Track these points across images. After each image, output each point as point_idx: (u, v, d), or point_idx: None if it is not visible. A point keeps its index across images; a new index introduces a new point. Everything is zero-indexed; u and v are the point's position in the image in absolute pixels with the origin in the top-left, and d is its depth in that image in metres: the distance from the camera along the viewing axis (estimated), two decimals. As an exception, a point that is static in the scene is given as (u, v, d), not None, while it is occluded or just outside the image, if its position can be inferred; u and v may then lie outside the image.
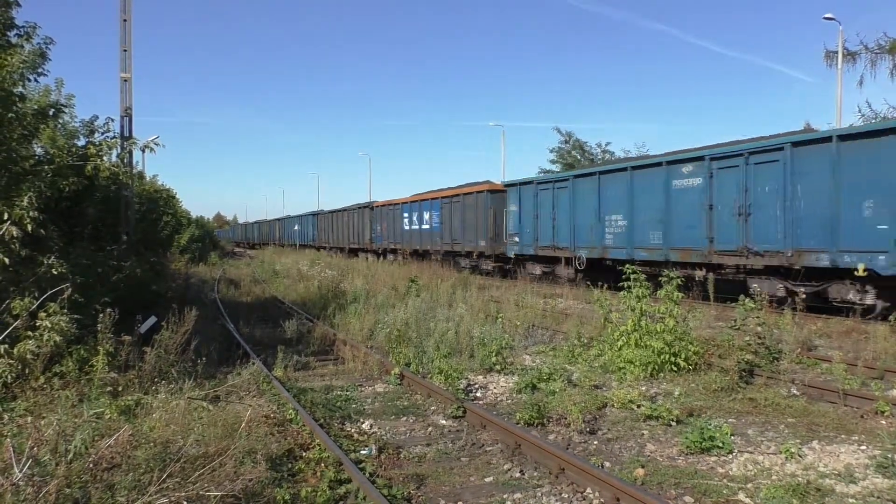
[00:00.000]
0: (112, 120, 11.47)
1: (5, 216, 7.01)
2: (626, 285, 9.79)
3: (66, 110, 10.52)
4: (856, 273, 12.14)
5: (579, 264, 19.58)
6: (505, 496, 5.18)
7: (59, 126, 10.88)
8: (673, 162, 16.38)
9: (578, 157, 41.76)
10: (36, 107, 9.52)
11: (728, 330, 9.49)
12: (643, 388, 8.05)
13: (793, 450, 5.87)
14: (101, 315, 7.47)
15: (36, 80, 9.51)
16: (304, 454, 5.98)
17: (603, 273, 18.22)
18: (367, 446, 6.29)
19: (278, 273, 28.43)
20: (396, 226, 34.27)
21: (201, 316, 10.01)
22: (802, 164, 13.29)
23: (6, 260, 6.98)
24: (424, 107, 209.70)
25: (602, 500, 5.03)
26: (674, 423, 6.83)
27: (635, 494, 4.77)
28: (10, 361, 6.67)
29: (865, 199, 12.12)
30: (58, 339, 6.79)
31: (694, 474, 5.54)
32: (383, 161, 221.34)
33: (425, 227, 30.60)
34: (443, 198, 28.79)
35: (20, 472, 3.92)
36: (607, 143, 42.63)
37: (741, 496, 5.08)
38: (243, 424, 5.83)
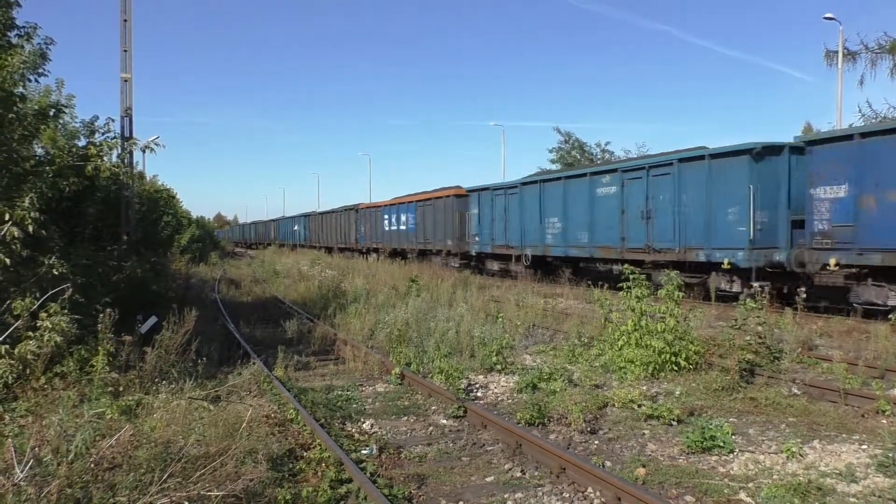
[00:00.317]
0: (112, 120, 11.47)
1: (7, 217, 7.01)
2: (625, 285, 9.80)
3: (67, 111, 10.51)
4: (723, 266, 14.64)
5: (526, 261, 22.31)
6: (506, 496, 5.18)
7: (60, 126, 10.87)
8: (596, 173, 19.44)
9: (578, 157, 41.77)
10: (36, 107, 9.52)
11: (729, 329, 9.49)
12: (644, 388, 8.05)
13: (794, 449, 5.87)
14: (102, 315, 7.47)
15: (36, 80, 9.52)
16: (304, 454, 5.98)
17: (546, 268, 21.65)
18: (367, 446, 6.29)
19: (279, 273, 28.45)
20: (378, 227, 36.74)
21: (202, 316, 10.02)
22: (686, 178, 15.99)
23: (7, 260, 6.98)
24: (424, 107, 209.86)
25: (603, 499, 5.03)
26: (675, 423, 6.83)
27: (636, 494, 4.77)
28: (11, 362, 6.67)
29: (729, 206, 14.82)
30: (58, 339, 6.80)
31: (695, 474, 5.54)
32: (383, 161, 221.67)
33: (402, 227, 33.15)
34: (417, 201, 31.29)
35: (22, 472, 3.92)
36: (607, 143, 42.69)
37: (742, 495, 5.08)
38: (244, 424, 5.83)
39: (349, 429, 7.01)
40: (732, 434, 6.32)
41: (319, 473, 5.48)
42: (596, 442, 6.48)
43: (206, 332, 10.44)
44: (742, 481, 5.36)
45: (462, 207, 27.15)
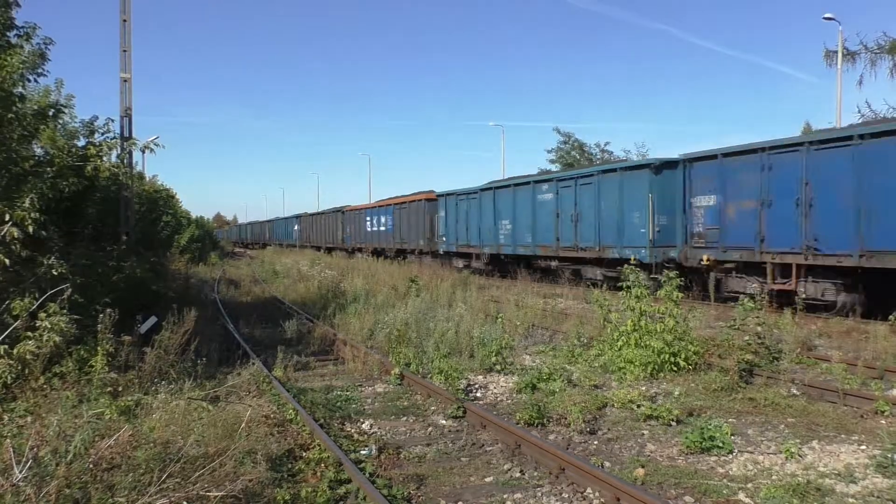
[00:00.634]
0: (112, 120, 11.47)
1: (6, 217, 7.01)
2: (625, 285, 9.80)
3: (66, 111, 10.51)
4: (630, 262, 15.72)
5: (484, 259, 25.36)
6: (505, 496, 5.19)
7: (60, 126, 10.87)
8: (537, 182, 22.39)
9: (578, 157, 41.78)
10: (36, 107, 9.52)
11: (728, 330, 9.49)
12: (643, 388, 8.05)
13: (793, 449, 5.87)
14: (101, 315, 7.47)
15: (36, 80, 9.52)
16: (304, 454, 5.99)
17: (500, 264, 24.62)
18: (367, 446, 6.29)
19: (278, 273, 28.45)
20: (361, 228, 39.84)
21: (201, 316, 10.02)
22: (604, 188, 18.88)
23: (7, 261, 6.98)
24: (424, 107, 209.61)
25: (602, 499, 5.04)
26: (674, 423, 6.83)
27: (635, 494, 4.77)
28: (10, 362, 6.66)
29: (635, 212, 17.49)
30: (58, 339, 6.79)
31: (694, 474, 5.54)
32: (384, 160, 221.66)
33: (382, 229, 36.14)
34: (395, 204, 34.41)
35: (20, 472, 3.92)
36: (606, 143, 42.70)
37: (741, 496, 5.08)
38: (243, 425, 5.83)
39: (348, 429, 7.01)
40: (731, 434, 6.32)
41: (318, 474, 5.48)
42: (595, 442, 6.48)
43: (205, 333, 10.44)
44: (741, 482, 5.36)
45: (432, 211, 29.85)
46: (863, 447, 6.10)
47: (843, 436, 6.48)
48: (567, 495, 5.19)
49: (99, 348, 7.24)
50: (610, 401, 7.57)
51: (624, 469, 5.69)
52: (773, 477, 5.44)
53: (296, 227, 59.02)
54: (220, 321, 14.21)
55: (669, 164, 17.03)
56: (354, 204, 44.48)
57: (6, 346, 6.69)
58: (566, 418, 6.89)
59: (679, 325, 9.24)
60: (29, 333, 6.78)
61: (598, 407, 7.40)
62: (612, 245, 18.32)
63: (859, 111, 25.04)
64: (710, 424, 6.39)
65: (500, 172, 56.82)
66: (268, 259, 41.65)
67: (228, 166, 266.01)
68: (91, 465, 4.29)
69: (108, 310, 7.64)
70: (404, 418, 7.45)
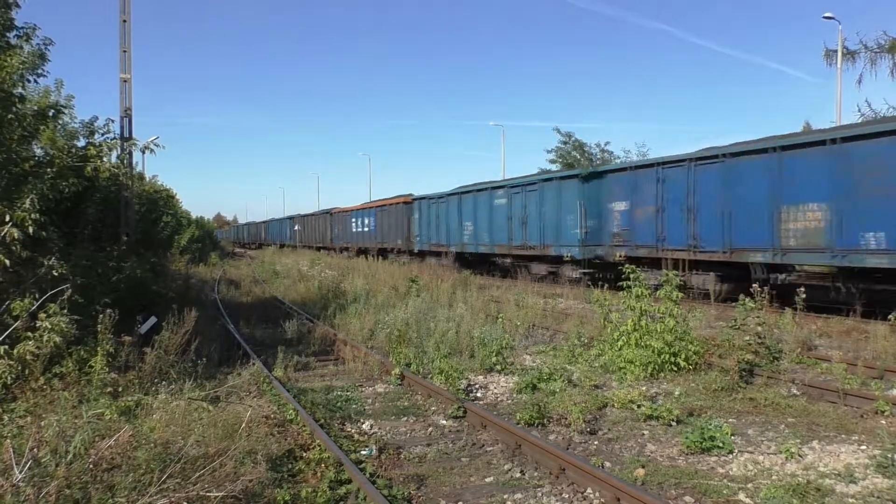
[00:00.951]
0: (112, 121, 11.47)
1: (6, 218, 7.01)
2: (625, 285, 9.80)
3: (66, 111, 10.50)
4: (566, 259, 20.16)
5: (451, 256, 27.70)
6: (505, 496, 5.18)
7: (59, 127, 10.86)
8: (494, 188, 24.92)
9: (578, 157, 41.74)
10: (36, 108, 9.51)
11: (728, 329, 9.49)
12: (643, 388, 8.05)
13: (793, 450, 5.87)
14: (101, 316, 7.47)
15: (35, 81, 9.50)
16: (304, 455, 5.98)
17: (464, 261, 27.05)
18: (367, 447, 6.29)
19: (278, 273, 28.44)
20: (347, 228, 42.58)
21: (201, 316, 10.00)
22: (546, 194, 21.41)
23: (7, 261, 6.98)
24: (424, 106, 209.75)
25: (602, 500, 5.04)
26: (674, 423, 6.83)
27: (636, 494, 4.77)
28: (10, 362, 6.66)
29: (569, 214, 20.13)
30: (58, 339, 6.79)
31: (694, 474, 5.54)
32: (385, 160, 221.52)
33: (366, 229, 38.91)
34: (377, 207, 37.31)
35: (20, 473, 3.92)
36: (606, 143, 42.63)
37: (741, 496, 5.08)
38: (243, 425, 5.84)
39: (349, 429, 7.01)
40: (732, 434, 6.32)
41: (319, 474, 5.48)
42: (595, 442, 6.48)
43: (205, 333, 10.44)
44: (741, 482, 5.36)
45: (409, 213, 32.44)
46: (863, 447, 6.10)
47: (843, 436, 6.47)
48: (567, 495, 5.19)
49: (99, 349, 7.24)
50: (610, 401, 7.57)
51: (624, 469, 5.68)
52: (774, 477, 5.43)
53: (289, 228, 62.11)
54: (220, 321, 14.20)
55: (596, 174, 19.80)
56: (345, 206, 46.29)
57: (6, 347, 6.70)
58: (566, 418, 6.89)
59: (679, 324, 9.24)
60: (29, 334, 6.78)
61: (599, 407, 7.40)
62: (552, 244, 20.98)
63: (859, 110, 24.97)
64: (711, 424, 6.38)
65: (501, 172, 56.83)
66: (268, 259, 41.66)
67: (228, 166, 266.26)
68: (91, 466, 4.29)
69: (109, 310, 7.64)
70: (405, 418, 7.45)
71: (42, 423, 4.89)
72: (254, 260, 46.10)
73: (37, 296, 7.02)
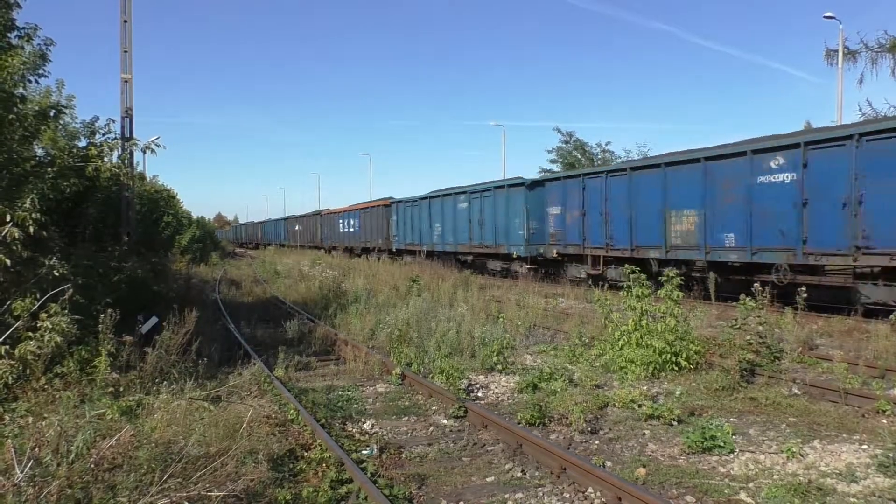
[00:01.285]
0: (113, 121, 11.49)
1: (7, 218, 7.01)
2: (626, 285, 9.79)
3: (67, 111, 10.52)
4: (514, 256, 23.19)
5: (423, 254, 30.09)
6: (506, 496, 5.18)
7: (60, 127, 10.87)
8: (457, 194, 27.66)
9: (579, 157, 41.70)
10: (37, 108, 9.52)
11: (729, 329, 9.48)
12: (644, 388, 8.05)
13: (794, 449, 5.86)
14: (103, 316, 7.47)
15: (37, 81, 9.53)
16: (305, 454, 5.98)
17: (434, 258, 28.63)
18: (368, 446, 6.29)
19: (279, 273, 28.44)
20: (336, 229, 45.56)
21: (202, 316, 10.01)
22: (497, 199, 24.22)
23: (8, 261, 6.98)
24: (425, 106, 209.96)
25: (604, 499, 5.03)
26: (675, 423, 6.83)
27: (637, 494, 4.77)
28: (12, 362, 6.66)
29: (516, 218, 22.95)
30: (59, 339, 6.79)
31: (695, 474, 5.54)
32: (385, 160, 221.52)
33: (352, 230, 41.97)
34: (361, 209, 40.32)
35: (22, 472, 3.92)
36: (607, 143, 42.55)
37: (743, 496, 5.08)
38: (244, 425, 5.84)
39: (350, 429, 7.01)
40: (733, 434, 6.31)
41: (320, 474, 5.48)
42: (596, 442, 6.48)
43: (206, 333, 10.45)
44: (742, 481, 5.35)
45: (388, 215, 35.29)
46: (864, 447, 6.09)
47: (844, 435, 6.47)
48: (568, 495, 5.19)
49: (100, 348, 7.25)
50: (611, 400, 7.57)
51: (625, 469, 5.68)
52: (775, 476, 5.43)
53: (283, 229, 65.11)
54: (221, 321, 14.20)
55: (538, 183, 22.68)
56: (333, 207, 49.78)
57: (7, 347, 6.70)
58: (567, 418, 6.89)
59: (680, 324, 9.23)
60: (30, 334, 6.78)
61: (600, 406, 7.39)
62: (504, 243, 23.82)
63: (860, 110, 25.00)
64: (712, 424, 6.38)
65: (501, 172, 56.89)
66: (269, 259, 41.68)
67: (229, 166, 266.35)
68: (92, 466, 4.29)
69: (110, 310, 7.65)
70: (406, 418, 7.45)
71: (43, 423, 4.90)
72: (254, 260, 46.11)
73: (38, 296, 7.02)
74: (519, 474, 5.64)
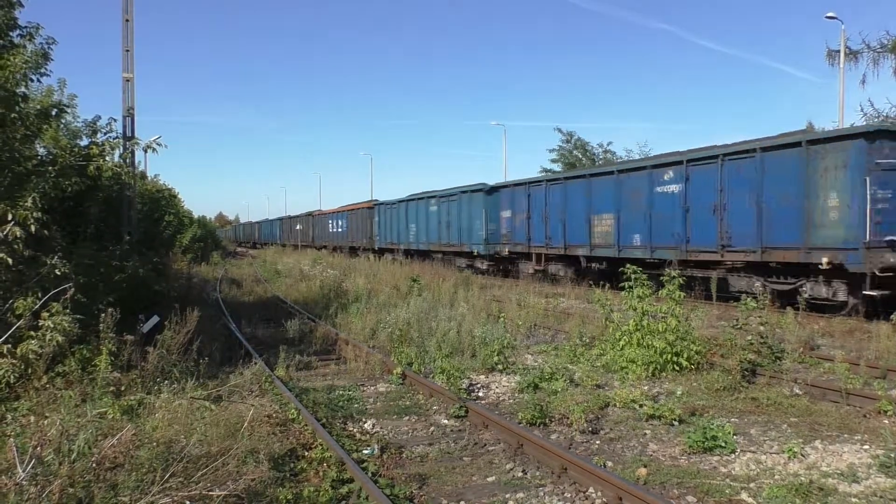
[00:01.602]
0: (114, 120, 11.46)
1: (9, 216, 7.02)
2: (627, 285, 9.79)
3: (69, 110, 10.50)
4: (475, 254, 25.93)
5: (401, 253, 33.00)
6: (507, 496, 5.18)
7: (62, 126, 10.87)
8: (429, 198, 30.43)
9: (580, 157, 41.71)
10: (38, 107, 9.51)
11: (730, 329, 9.48)
12: (645, 388, 8.05)
13: (795, 449, 5.86)
14: (104, 315, 7.47)
15: (38, 80, 9.50)
16: (306, 454, 5.99)
17: (412, 257, 31.47)
18: (369, 446, 6.29)
19: (280, 273, 28.46)
20: (325, 229, 48.68)
21: (203, 316, 10.00)
22: (462, 203, 27.08)
23: (10, 260, 6.99)
24: (426, 106, 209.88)
25: (605, 499, 5.03)
26: (676, 423, 6.83)
27: (638, 494, 4.77)
28: (13, 361, 6.68)
29: (477, 220, 25.76)
30: (60, 338, 6.80)
31: (696, 474, 5.54)
32: (386, 159, 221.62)
33: (339, 230, 45.09)
34: (348, 210, 43.45)
35: (24, 471, 3.93)
36: (609, 143, 42.62)
37: (744, 496, 5.07)
38: (245, 424, 5.85)
39: (351, 429, 7.01)
40: (734, 434, 6.31)
41: (321, 473, 5.48)
42: (597, 442, 6.48)
43: (207, 332, 10.45)
44: (744, 481, 5.35)
45: (371, 216, 38.17)
46: (866, 447, 6.09)
47: (845, 435, 6.46)
48: (569, 495, 5.19)
49: (102, 348, 7.25)
50: (612, 400, 7.57)
51: (626, 469, 5.68)
52: (776, 477, 5.43)
53: (278, 229, 68.10)
54: (222, 321, 14.21)
55: (494, 189, 25.41)
56: (324, 209, 52.75)
57: (9, 346, 6.70)
58: (568, 418, 6.89)
59: (681, 324, 9.23)
60: (32, 333, 6.79)
61: (601, 406, 7.39)
62: (466, 243, 26.76)
63: (862, 110, 25.04)
64: (713, 424, 6.38)
65: (502, 171, 56.86)
66: (269, 259, 41.72)
67: (230, 166, 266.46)
68: (94, 465, 4.30)
69: (111, 309, 7.65)
70: (406, 418, 7.45)
71: (45, 422, 4.90)
72: (255, 259, 46.14)
73: (39, 295, 7.03)
74: (520, 474, 5.64)
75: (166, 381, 7.31)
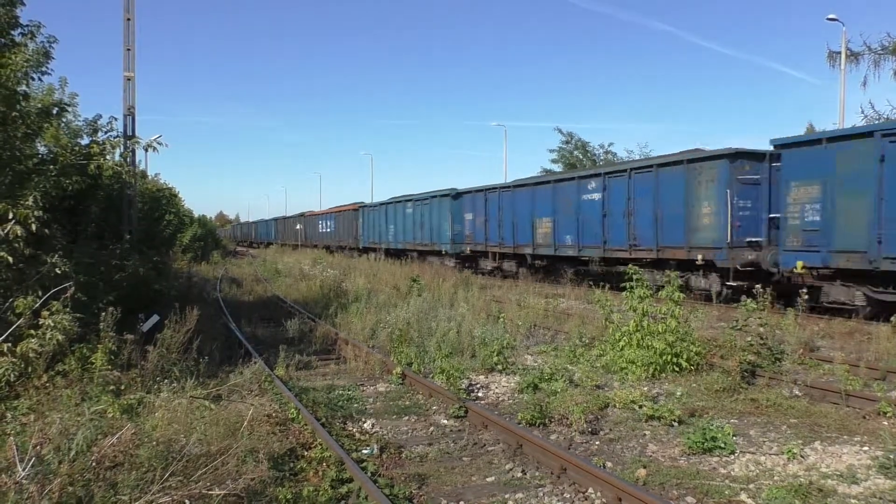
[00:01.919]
0: (115, 119, 11.48)
1: (10, 215, 7.02)
2: (627, 286, 9.79)
3: (70, 109, 10.51)
4: (443, 252, 28.70)
5: (382, 252, 35.62)
6: (507, 496, 5.19)
7: (63, 125, 10.86)
8: (405, 201, 33.24)
9: (581, 158, 41.68)
10: (39, 105, 9.52)
11: (730, 330, 9.48)
12: (645, 389, 8.05)
13: (795, 450, 5.87)
14: (104, 314, 7.47)
15: (40, 78, 9.51)
16: (305, 453, 5.99)
17: (391, 255, 34.27)
18: (368, 446, 6.30)
19: (280, 272, 28.45)
20: (316, 229, 51.73)
21: (203, 315, 10.00)
22: (433, 207, 29.89)
23: (10, 259, 6.99)
24: (427, 106, 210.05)
25: (604, 500, 5.04)
26: (676, 424, 6.83)
27: (637, 495, 4.77)
28: (13, 360, 6.67)
29: (443, 222, 28.74)
30: (60, 337, 6.79)
31: (696, 475, 5.54)
32: (386, 160, 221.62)
33: (328, 230, 48.03)
34: (336, 212, 46.49)
35: (24, 470, 3.93)
36: (610, 144, 42.51)
37: (743, 497, 5.08)
38: (245, 423, 5.84)
39: (350, 428, 7.01)
40: (733, 435, 6.31)
41: (320, 473, 5.49)
42: (597, 442, 6.48)
43: (207, 331, 10.44)
44: (743, 482, 5.36)
45: (356, 217, 40.89)
46: (865, 448, 6.09)
47: (845, 437, 6.47)
48: (569, 495, 5.19)
49: (100, 346, 7.24)
50: (612, 401, 7.57)
51: (626, 469, 5.68)
52: (776, 478, 5.43)
53: (273, 228, 70.84)
54: (222, 320, 14.21)
55: (459, 194, 27.99)
56: (316, 210, 55.14)
57: (9, 344, 6.70)
58: (568, 418, 6.89)
59: (681, 325, 9.23)
60: (32, 331, 6.79)
61: (600, 407, 7.39)
62: (437, 242, 29.61)
63: (863, 112, 25.04)
64: (712, 425, 6.38)
65: (503, 172, 56.79)
66: (270, 258, 41.72)
67: (231, 165, 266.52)
68: (94, 464, 4.30)
69: (111, 308, 7.65)
70: (406, 418, 7.45)
71: (45, 421, 4.91)
72: (255, 259, 46.15)
73: (40, 293, 7.03)
74: (519, 474, 5.64)
75: (166, 380, 7.31)
